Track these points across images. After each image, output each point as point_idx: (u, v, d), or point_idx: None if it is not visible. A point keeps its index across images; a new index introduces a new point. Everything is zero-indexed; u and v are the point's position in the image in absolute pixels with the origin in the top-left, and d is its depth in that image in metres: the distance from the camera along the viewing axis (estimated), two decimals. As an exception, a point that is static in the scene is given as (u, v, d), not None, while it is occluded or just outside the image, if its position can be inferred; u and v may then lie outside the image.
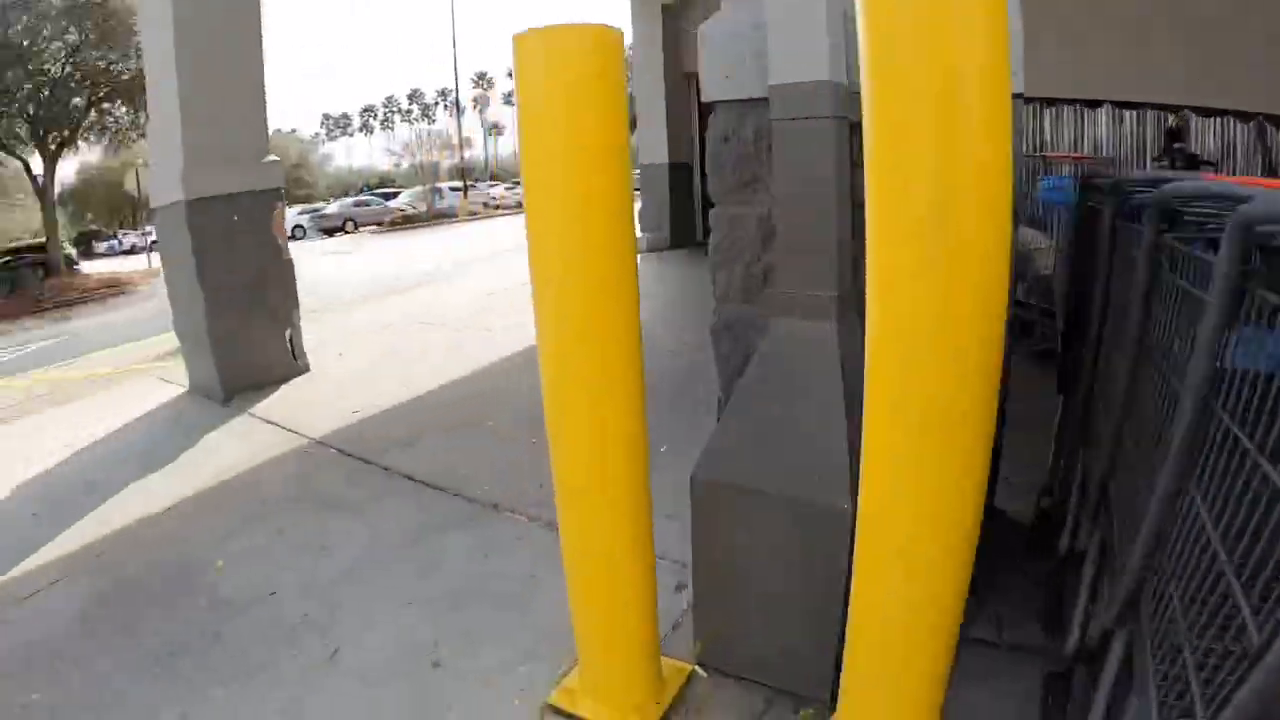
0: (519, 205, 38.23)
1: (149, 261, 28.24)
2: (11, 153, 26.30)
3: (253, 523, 3.93)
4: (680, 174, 11.52)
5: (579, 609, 2.34)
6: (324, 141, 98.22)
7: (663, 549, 2.41)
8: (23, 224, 50.52)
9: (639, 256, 7.44)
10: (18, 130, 25.51)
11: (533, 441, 4.45)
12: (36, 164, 26.85)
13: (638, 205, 12.37)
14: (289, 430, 5.25)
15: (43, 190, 25.63)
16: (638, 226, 12.22)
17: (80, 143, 27.42)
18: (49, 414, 7.05)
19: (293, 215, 41.68)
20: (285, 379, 6.61)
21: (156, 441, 5.53)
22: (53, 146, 24.94)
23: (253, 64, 6.39)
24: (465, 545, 3.49)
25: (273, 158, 6.62)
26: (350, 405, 5.63)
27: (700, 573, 2.47)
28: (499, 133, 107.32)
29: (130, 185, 29.40)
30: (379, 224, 37.64)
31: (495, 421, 4.93)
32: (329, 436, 5.04)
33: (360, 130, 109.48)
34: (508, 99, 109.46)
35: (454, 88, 45.18)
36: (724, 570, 2.39)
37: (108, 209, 73.88)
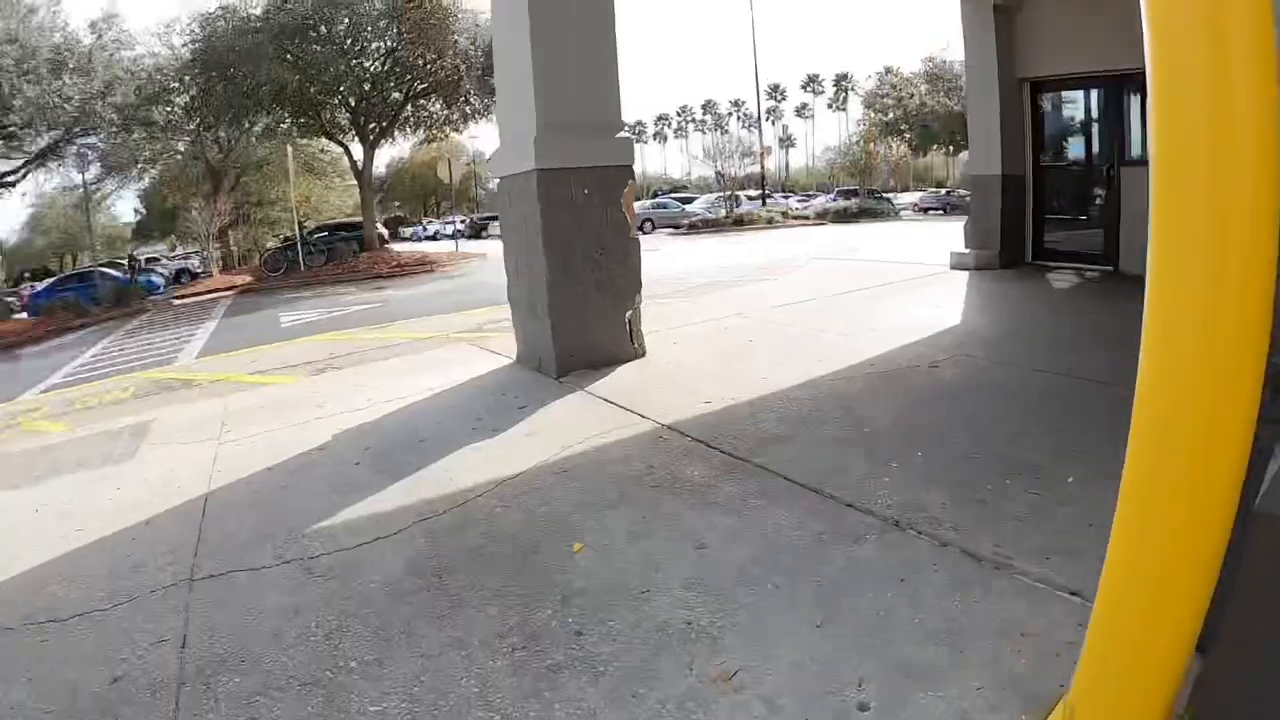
0: (816, 216, 38.21)
1: (456, 245, 31.24)
2: (335, 140, 30.40)
3: (611, 506, 3.77)
4: (1013, 186, 10.88)
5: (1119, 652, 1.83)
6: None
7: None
8: (340, 205, 58.49)
9: (965, 274, 7.53)
10: (341, 120, 29.53)
11: (918, 454, 4.00)
12: (357, 151, 30.66)
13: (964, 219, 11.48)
14: (635, 413, 5.16)
15: (361, 174, 29.12)
16: (963, 241, 11.45)
17: (395, 134, 30.78)
18: (374, 368, 7.66)
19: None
20: (619, 361, 6.64)
21: (489, 406, 5.71)
22: (371, 136, 28.18)
23: (606, 34, 6.57)
24: (873, 564, 3.06)
25: (625, 133, 6.72)
26: (698, 395, 5.45)
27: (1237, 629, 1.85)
28: (790, 145, 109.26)
29: (443, 173, 33.07)
30: (675, 227, 39.44)
31: (872, 428, 4.49)
32: (682, 424, 4.86)
33: (654, 138, 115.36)
34: (800, 111, 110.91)
35: (754, 98, 45.83)
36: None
37: (414, 197, 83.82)
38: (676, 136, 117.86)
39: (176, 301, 26.99)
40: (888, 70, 55.20)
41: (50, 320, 24.20)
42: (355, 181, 51.53)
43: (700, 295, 10.96)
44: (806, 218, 38.26)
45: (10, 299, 39.53)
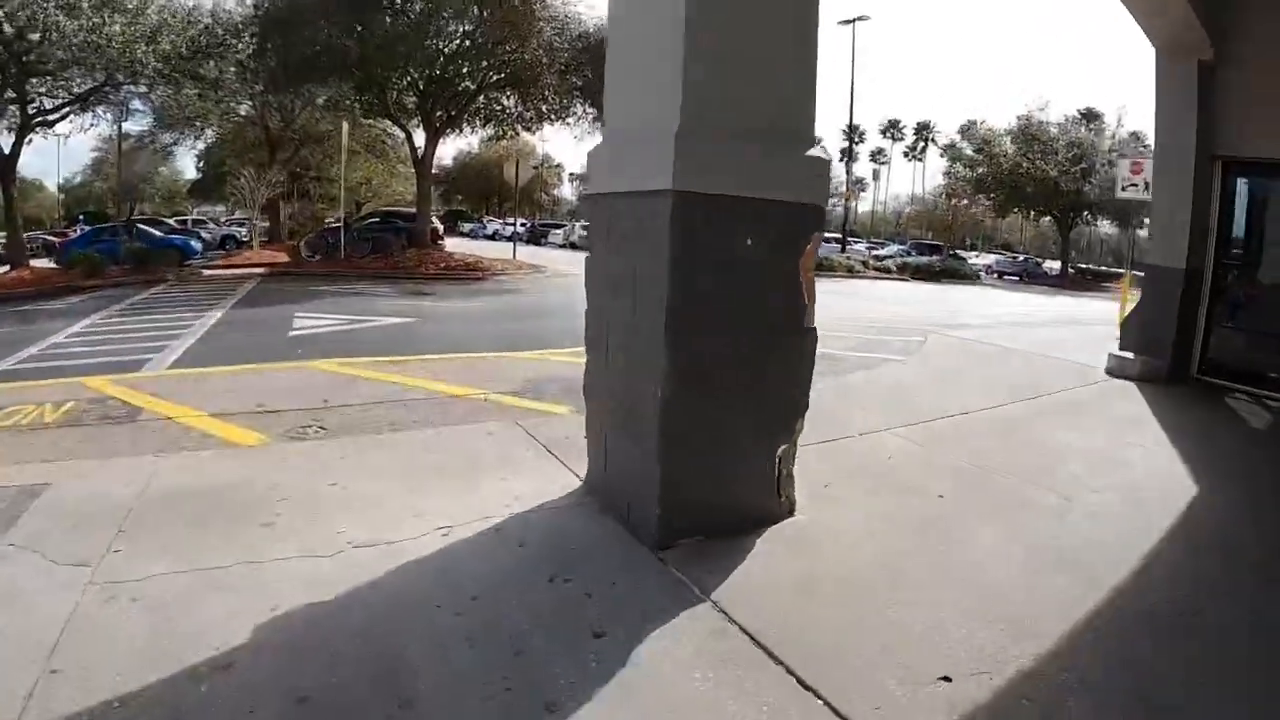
0: (898, 270, 35.26)
1: (513, 251, 28.79)
2: (398, 123, 28.13)
3: None
4: (1192, 283, 9.16)
5: None
6: None
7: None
8: (403, 192, 56.56)
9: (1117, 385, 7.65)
10: (407, 103, 27.28)
11: None
12: (419, 138, 28.40)
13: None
14: (824, 701, 2.53)
15: (421, 162, 26.83)
16: (1117, 342, 9.58)
17: (464, 125, 28.54)
18: (369, 450, 5.15)
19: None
20: (757, 523, 4.03)
21: (536, 614, 3.13)
22: (437, 123, 25.93)
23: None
24: None
25: (820, 150, 4.09)
26: (909, 632, 2.85)
27: None
28: (861, 189, 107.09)
29: (509, 173, 30.77)
30: None
31: None
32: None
33: None
34: (875, 156, 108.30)
35: (835, 134, 43.12)
36: None
37: (477, 194, 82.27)
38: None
39: (207, 272, 24.88)
40: (972, 123, 52.18)
41: (68, 274, 22.14)
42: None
43: (823, 380, 8.30)
44: (888, 270, 35.56)
45: (53, 239, 37.89)
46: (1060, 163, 43.84)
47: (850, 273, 32.78)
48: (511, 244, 33.35)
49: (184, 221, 42.70)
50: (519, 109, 27.82)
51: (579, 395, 4.84)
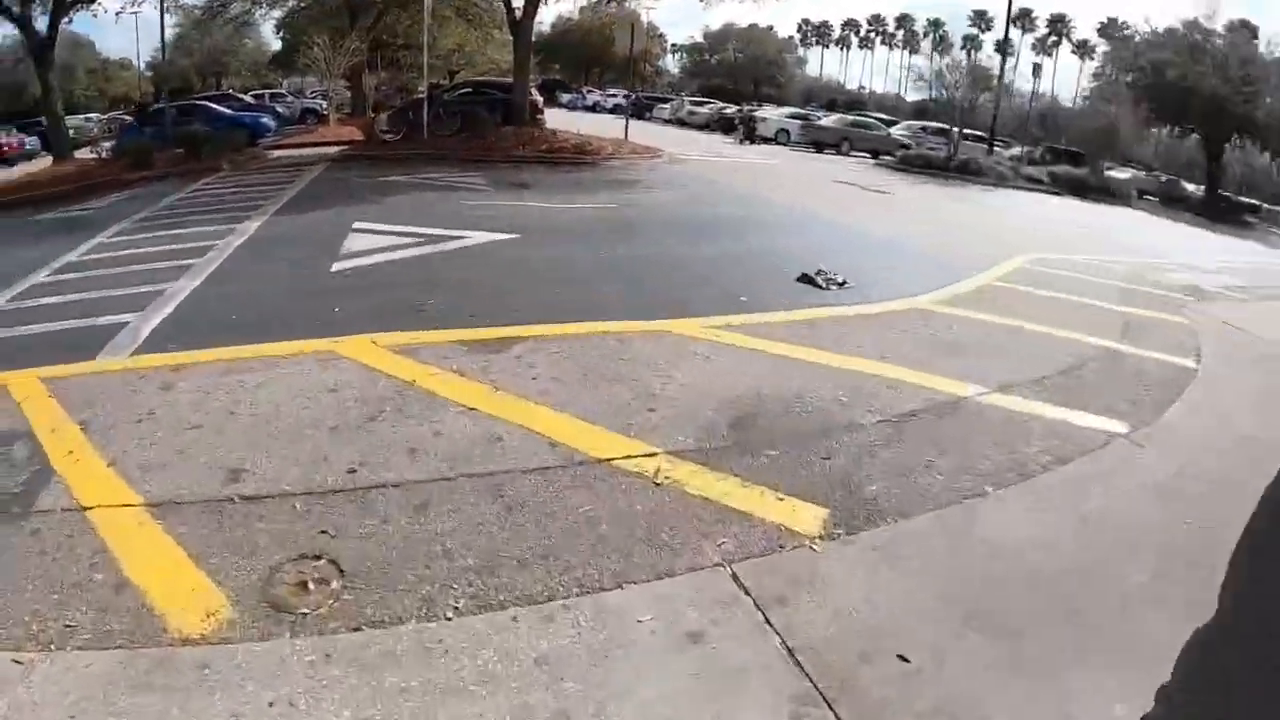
0: (1050, 181, 29.38)
1: (625, 128, 24.64)
2: None
3: None
4: None
5: None
6: (799, 47, 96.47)
7: None
8: (499, 60, 52.06)
9: None
10: None
11: None
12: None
13: None
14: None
15: (518, 25, 22.64)
16: None
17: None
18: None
19: (778, 117, 37.40)
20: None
21: None
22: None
23: None
24: None
25: None
26: None
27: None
28: (985, 86, 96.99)
29: (622, 39, 26.21)
30: (874, 153, 32.32)
31: None
32: None
33: (836, 44, 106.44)
34: (999, 46, 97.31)
35: (1005, 20, 36.47)
36: None
37: (576, 63, 77.14)
38: (862, 47, 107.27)
39: (274, 153, 21.65)
40: (1111, 21, 44.44)
41: (113, 166, 19.15)
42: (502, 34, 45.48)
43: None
44: (1039, 180, 29.71)
45: (125, 118, 35.16)
46: (1232, 80, 36.66)
47: (1000, 181, 27.59)
48: (622, 120, 29.27)
49: (260, 96, 39.57)
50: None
51: (817, 454, 3.14)
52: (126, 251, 9.62)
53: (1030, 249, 11.36)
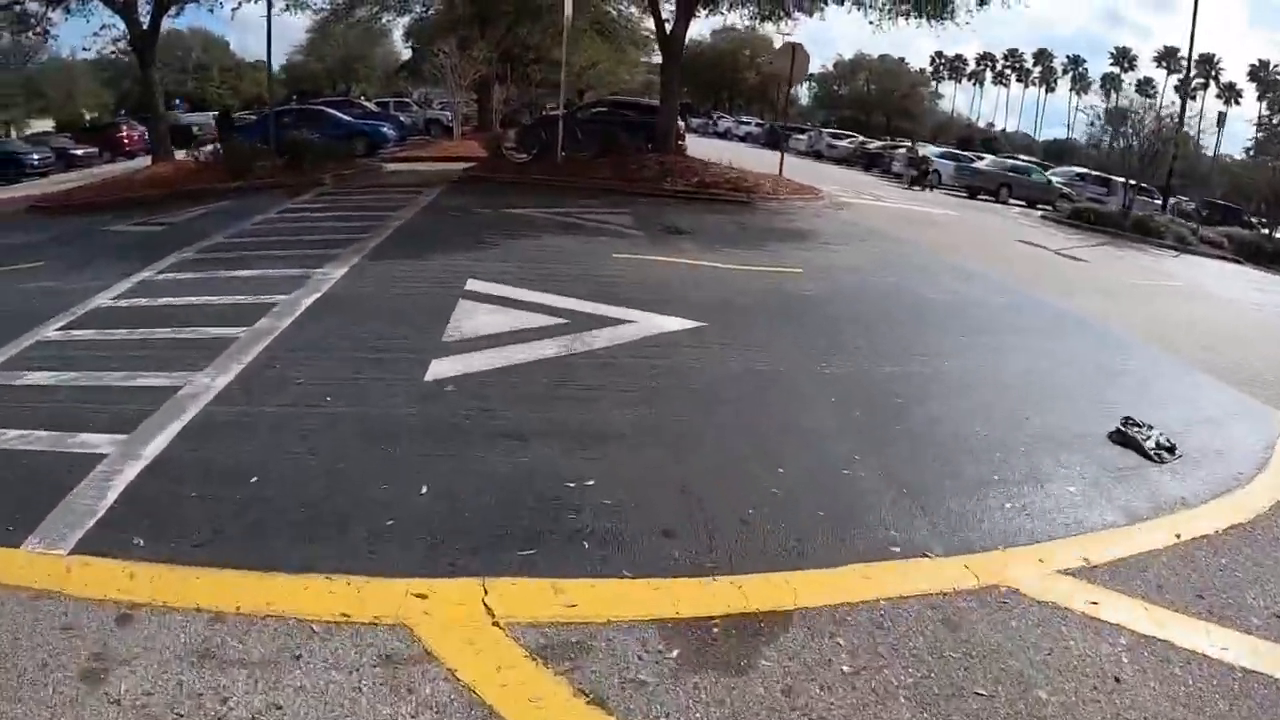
0: (1234, 248, 24.93)
1: (780, 162, 21.47)
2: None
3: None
4: None
5: None
6: (934, 80, 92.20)
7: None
8: (626, 82, 49.68)
9: None
10: None
11: None
12: (668, 12, 21.17)
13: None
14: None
15: (671, 41, 19.75)
16: None
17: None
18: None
19: (927, 156, 33.84)
20: None
21: None
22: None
23: None
24: None
25: None
26: None
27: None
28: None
29: (780, 66, 23.09)
30: (1030, 202, 29.30)
31: None
32: None
33: (969, 79, 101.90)
34: (1141, 87, 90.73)
35: (1187, 60, 32.01)
36: None
37: (705, 86, 74.76)
38: (997, 83, 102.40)
39: (389, 167, 19.33)
40: (1262, 64, 39.31)
41: (212, 172, 16.95)
42: (655, 53, 42.68)
43: None
44: (1219, 245, 25.40)
45: (245, 116, 33.65)
46: None
47: (1181, 244, 23.56)
48: (760, 150, 26.38)
49: (384, 104, 37.83)
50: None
51: None
52: (162, 302, 7.09)
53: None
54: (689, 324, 6.82)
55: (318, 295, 6.92)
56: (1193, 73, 34.93)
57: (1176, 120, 27.07)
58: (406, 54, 56.83)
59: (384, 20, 35.72)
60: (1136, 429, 5.33)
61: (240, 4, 21.40)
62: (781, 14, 21.16)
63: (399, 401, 4.82)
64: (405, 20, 36.19)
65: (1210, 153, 42.53)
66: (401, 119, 32.11)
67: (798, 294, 8.71)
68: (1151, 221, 24.44)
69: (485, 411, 4.69)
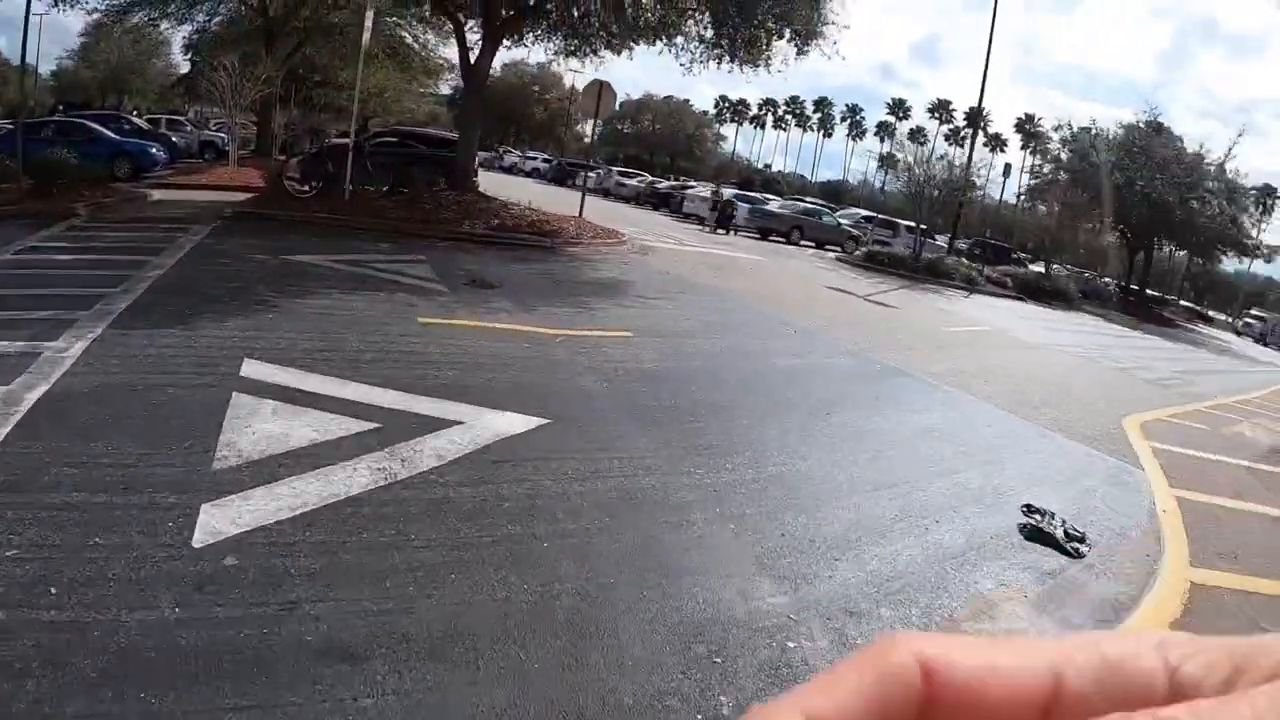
0: (1016, 289, 27.34)
1: (581, 202, 20.49)
2: (449, 13, 19.66)
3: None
4: None
5: None
6: (716, 122, 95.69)
7: None
8: (413, 111, 47.59)
9: None
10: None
11: None
12: (473, 39, 20.02)
13: None
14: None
15: (473, 70, 18.54)
16: None
17: (529, 32, 20.30)
18: None
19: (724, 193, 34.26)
20: None
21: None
22: (499, 21, 17.68)
23: None
24: None
25: None
26: None
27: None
28: (890, 165, 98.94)
29: (586, 105, 22.36)
30: (819, 243, 30.74)
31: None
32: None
33: (751, 122, 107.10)
34: (913, 135, 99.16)
35: (977, 110, 34.49)
36: None
37: (492, 121, 73.32)
38: (776, 127, 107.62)
39: (155, 195, 16.88)
40: (1028, 118, 43.64)
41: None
42: (443, 81, 40.99)
43: None
44: (1004, 284, 27.75)
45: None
46: (1179, 185, 35.63)
47: (970, 285, 25.36)
48: (548, 186, 25.25)
49: (155, 121, 34.09)
50: (604, 17, 19.53)
51: None
52: None
53: (1131, 396, 11.26)
54: (528, 422, 5.60)
55: (42, 391, 5.19)
56: (976, 124, 37.05)
57: (963, 170, 28.56)
58: (186, 67, 52.28)
59: (162, 28, 32.40)
60: (1039, 517, 5.14)
61: (0, -6, 18.32)
62: (588, 51, 20.35)
63: (159, 595, 3.18)
64: (186, 30, 33.03)
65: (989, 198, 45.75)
66: (173, 139, 28.91)
67: (637, 370, 7.71)
68: (942, 264, 25.73)
69: (288, 609, 3.20)
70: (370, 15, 15.95)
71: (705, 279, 15.04)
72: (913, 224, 32.44)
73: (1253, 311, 50.67)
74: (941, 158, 29.61)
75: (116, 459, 4.32)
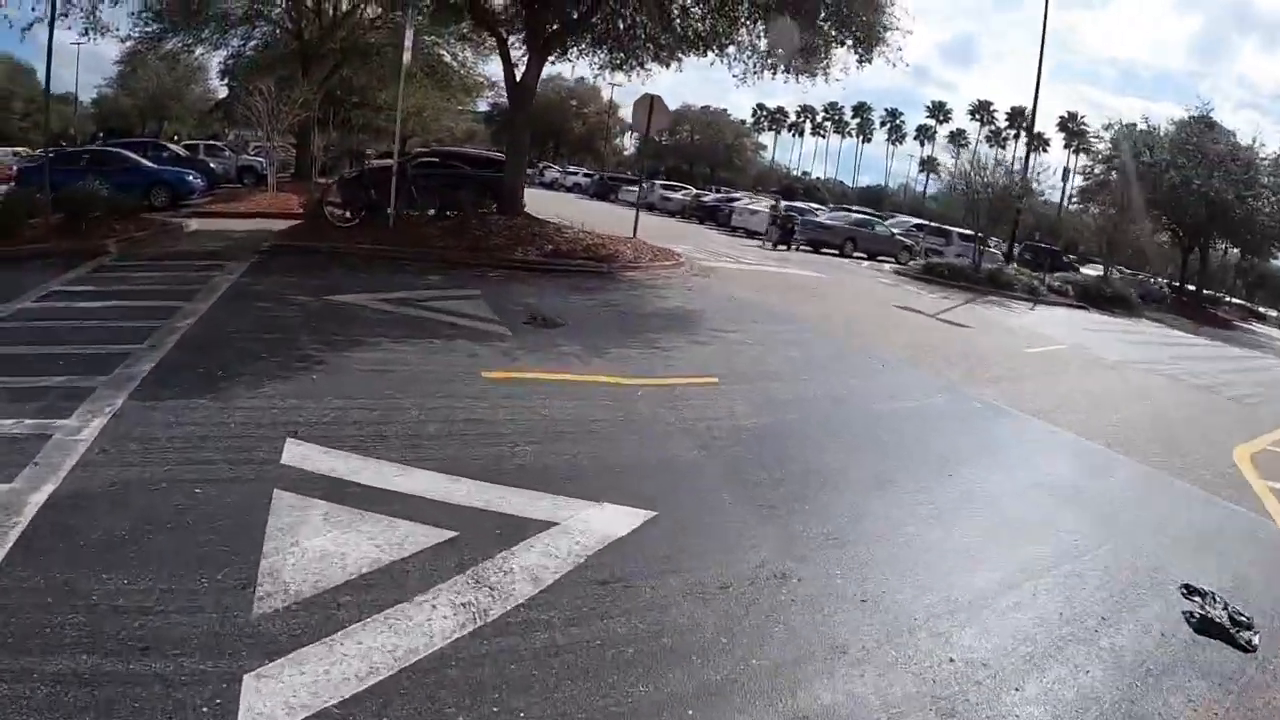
0: (1077, 297, 26.11)
1: (635, 222, 19.44)
2: (493, 29, 18.64)
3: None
4: None
5: None
6: (755, 131, 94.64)
7: None
8: (452, 131, 46.83)
9: None
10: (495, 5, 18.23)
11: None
12: (518, 55, 18.98)
13: None
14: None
15: (519, 87, 17.52)
16: None
17: (575, 46, 19.29)
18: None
19: (767, 209, 32.95)
20: None
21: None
22: (545, 36, 16.66)
23: None
24: None
25: None
26: None
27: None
28: (932, 169, 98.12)
29: (638, 120, 21.31)
30: (872, 255, 29.85)
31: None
32: None
33: (789, 130, 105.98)
34: (954, 138, 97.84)
35: (1031, 112, 32.93)
36: None
37: (530, 138, 72.60)
38: (815, 134, 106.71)
39: (192, 225, 16.07)
40: (1070, 116, 41.89)
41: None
42: (480, 99, 40.01)
43: None
44: (1065, 293, 26.47)
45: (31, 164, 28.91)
46: (1236, 182, 34.16)
47: (1033, 295, 24.19)
48: (590, 201, 24.29)
49: (193, 147, 33.63)
50: (651, 28, 18.49)
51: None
52: None
53: (1225, 421, 10.79)
54: (631, 518, 4.53)
55: (49, 492, 4.17)
56: (1031, 127, 35.67)
57: (1021, 176, 27.38)
58: (224, 92, 52.19)
59: (197, 54, 31.93)
60: (1201, 600, 4.56)
61: (31, 25, 17.73)
62: (634, 64, 19.32)
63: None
64: (222, 55, 32.56)
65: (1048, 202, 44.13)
66: (211, 165, 28.35)
67: (732, 428, 6.62)
68: (1002, 274, 24.66)
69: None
70: (410, 34, 15.01)
71: (773, 302, 13.96)
72: (965, 231, 31.24)
73: (1295, 303, 49.85)
74: (999, 163, 28.32)
75: (135, 600, 3.31)
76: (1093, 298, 26.90)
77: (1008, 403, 9.21)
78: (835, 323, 13.07)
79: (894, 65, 16.80)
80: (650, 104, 18.36)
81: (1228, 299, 49.65)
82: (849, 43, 16.74)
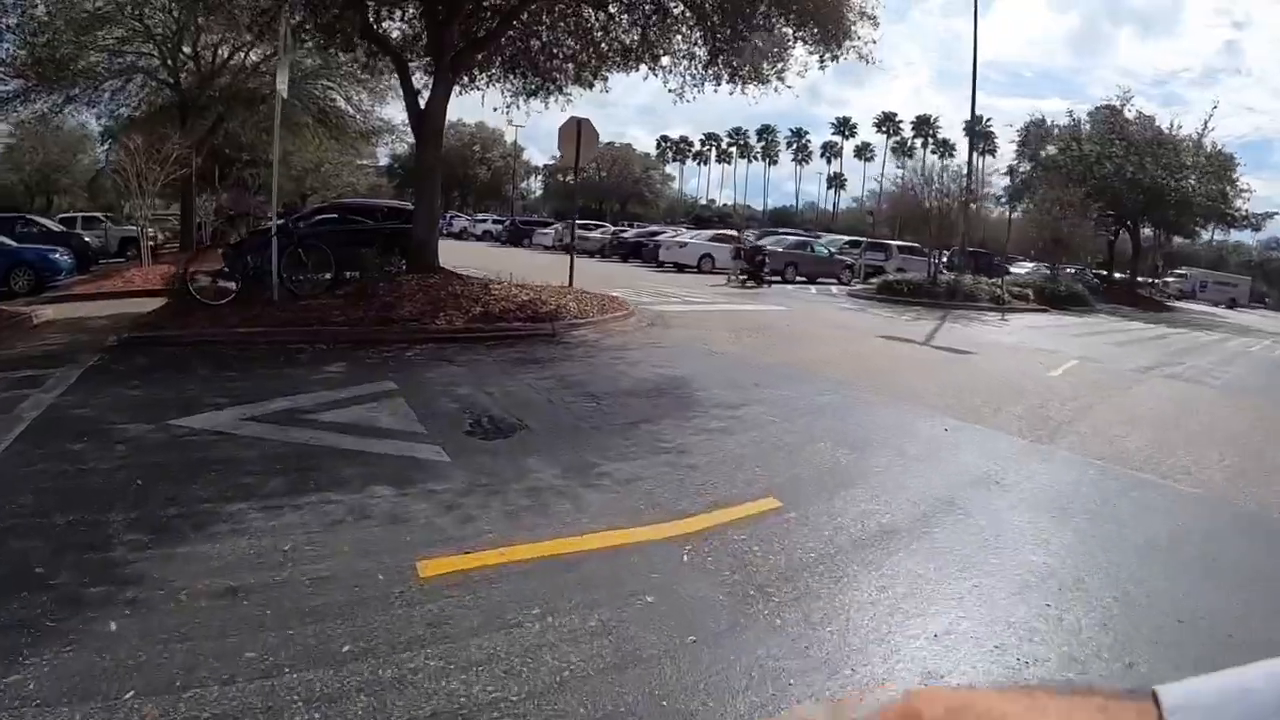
0: (1036, 300, 25.00)
1: (570, 269, 16.47)
2: (392, 51, 15.64)
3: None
4: None
5: None
6: (662, 163, 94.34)
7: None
8: (345, 184, 43.33)
9: None
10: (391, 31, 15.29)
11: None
12: (421, 83, 16.16)
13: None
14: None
15: (423, 119, 14.54)
16: None
17: (485, 71, 16.51)
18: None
19: (698, 240, 30.49)
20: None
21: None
22: (451, 58, 13.84)
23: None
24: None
25: None
26: None
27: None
28: (840, 185, 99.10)
29: (567, 154, 18.38)
30: (813, 278, 28.29)
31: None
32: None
33: (694, 159, 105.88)
34: (860, 152, 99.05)
35: (971, 114, 31.53)
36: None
37: (442, 186, 69.42)
38: (720, 161, 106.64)
39: (45, 312, 12.64)
40: (978, 119, 41.72)
41: None
42: (383, 145, 36.74)
43: None
44: (1026, 297, 25.29)
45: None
46: (1168, 166, 34.28)
47: (999, 305, 22.72)
48: (500, 248, 21.04)
49: (70, 220, 29.64)
50: (570, 46, 15.76)
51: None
52: None
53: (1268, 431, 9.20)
54: None
55: None
56: (973, 131, 34.73)
57: (966, 185, 26.01)
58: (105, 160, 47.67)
59: (67, 113, 27.86)
60: None
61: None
62: (553, 88, 16.45)
63: None
64: (99, 115, 28.53)
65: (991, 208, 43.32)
66: (86, 239, 24.61)
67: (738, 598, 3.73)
68: (962, 286, 23.43)
69: None
70: (287, 60, 11.88)
71: (757, 352, 11.33)
72: (903, 244, 29.85)
73: (1177, 271, 56.93)
74: (944, 169, 26.83)
75: None
76: (1049, 298, 26.00)
77: (1134, 466, 6.98)
78: (844, 370, 10.46)
79: (868, 62, 14.28)
80: (578, 128, 15.50)
81: (1151, 280, 50.90)
82: (808, 41, 14.16)
